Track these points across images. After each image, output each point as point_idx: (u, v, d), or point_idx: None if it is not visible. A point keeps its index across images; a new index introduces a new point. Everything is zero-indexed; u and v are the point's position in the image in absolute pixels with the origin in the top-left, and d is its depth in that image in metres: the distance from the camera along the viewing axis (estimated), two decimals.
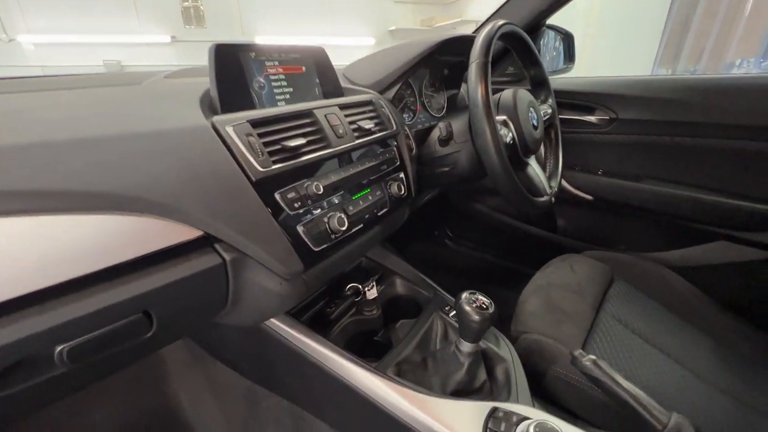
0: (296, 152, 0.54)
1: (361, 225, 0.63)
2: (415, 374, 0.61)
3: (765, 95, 0.88)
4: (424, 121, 0.99)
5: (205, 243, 0.46)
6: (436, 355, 0.63)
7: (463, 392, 0.57)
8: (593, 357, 0.54)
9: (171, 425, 0.86)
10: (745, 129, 0.90)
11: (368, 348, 0.66)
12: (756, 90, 0.89)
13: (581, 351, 0.55)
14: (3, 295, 0.32)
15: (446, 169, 0.85)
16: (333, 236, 0.56)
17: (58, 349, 0.37)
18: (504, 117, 0.77)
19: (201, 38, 3.16)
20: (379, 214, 0.67)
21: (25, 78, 0.61)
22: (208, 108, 0.51)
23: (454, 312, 0.70)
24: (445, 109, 1.07)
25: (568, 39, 1.24)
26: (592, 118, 1.09)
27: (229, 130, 0.48)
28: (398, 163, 0.75)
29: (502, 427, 0.47)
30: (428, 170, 0.87)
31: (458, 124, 0.83)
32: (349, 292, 0.76)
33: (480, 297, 0.55)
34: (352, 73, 0.88)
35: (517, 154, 0.78)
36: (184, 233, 0.43)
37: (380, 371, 0.57)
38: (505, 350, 0.65)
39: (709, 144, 0.95)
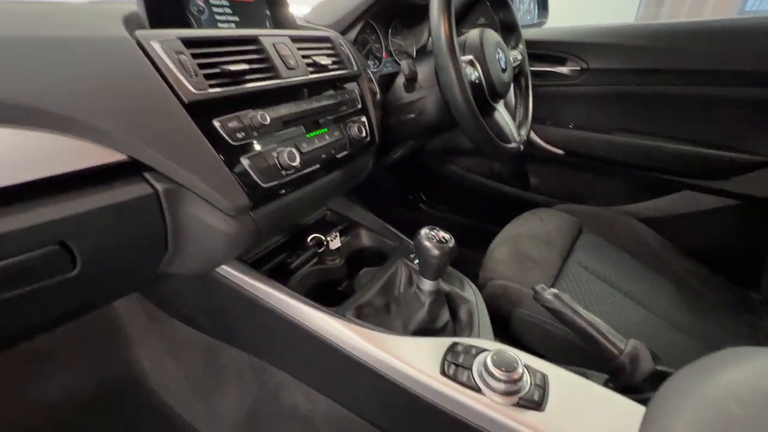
0: (238, 79, 0.49)
1: (318, 165, 0.59)
2: (377, 318, 0.59)
3: (729, 39, 0.87)
4: (390, 69, 0.94)
5: (131, 170, 0.41)
6: (398, 299, 0.61)
7: (425, 332, 0.56)
8: (555, 290, 0.53)
9: (133, 390, 0.83)
10: (709, 74, 0.89)
11: (332, 298, 0.64)
12: (720, 34, 0.88)
13: (543, 285, 0.54)
14: None
15: (412, 116, 0.81)
16: (284, 173, 0.52)
17: None
18: (470, 57, 0.73)
19: None
20: (338, 156, 0.63)
21: None
22: (134, 25, 0.46)
23: (413, 264, 0.68)
24: (412, 56, 1.02)
25: None
26: (563, 69, 1.06)
27: (156, 45, 0.42)
28: (360, 106, 0.71)
29: (461, 359, 0.46)
30: (394, 119, 0.83)
31: (424, 68, 0.79)
32: (311, 243, 0.73)
33: (440, 232, 0.52)
34: (312, 16, 0.82)
35: (484, 96, 0.75)
36: (103, 155, 0.38)
37: (339, 314, 0.54)
38: (470, 293, 0.64)
39: (675, 92, 0.94)
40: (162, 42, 0.43)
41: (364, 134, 0.68)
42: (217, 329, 0.68)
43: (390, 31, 0.96)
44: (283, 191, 0.54)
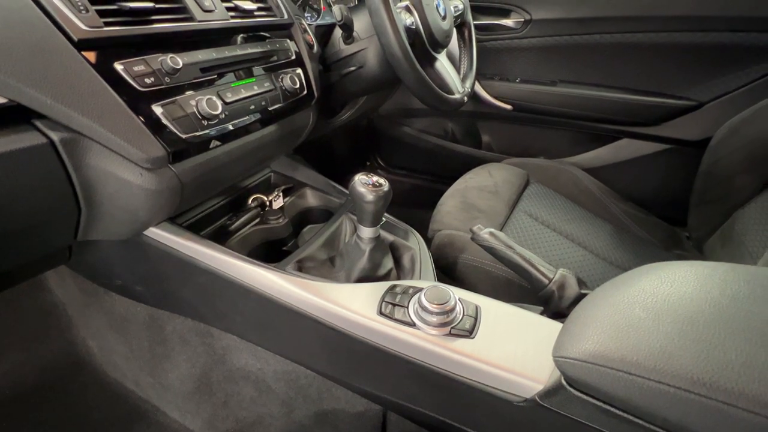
0: (142, 18, 0.45)
1: (249, 118, 0.56)
2: (320, 271, 0.59)
3: None
4: (329, 21, 0.90)
5: (17, 117, 0.37)
6: (341, 251, 0.61)
7: (366, 280, 0.56)
8: (490, 229, 0.54)
9: (78, 372, 0.79)
10: (644, 21, 0.92)
11: (277, 259, 0.62)
12: None
13: (479, 226, 0.55)
14: None
15: (353, 68, 0.78)
16: (205, 122, 0.49)
17: None
18: (406, 2, 0.71)
19: None
20: (271, 108, 0.60)
21: None
22: None
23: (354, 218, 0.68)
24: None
25: None
26: (508, 22, 1.06)
27: None
28: (293, 57, 0.67)
29: (398, 299, 0.47)
30: (335, 74, 0.80)
31: (363, 18, 0.76)
32: (253, 204, 0.70)
33: (374, 177, 0.52)
34: None
35: (423, 44, 0.73)
36: None
37: (279, 269, 0.53)
38: (414, 241, 0.65)
39: (612, 40, 0.96)
40: None
41: (298, 86, 0.65)
42: (156, 298, 0.65)
43: None
44: (212, 144, 0.51)
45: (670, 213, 0.96)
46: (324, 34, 0.81)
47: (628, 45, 0.96)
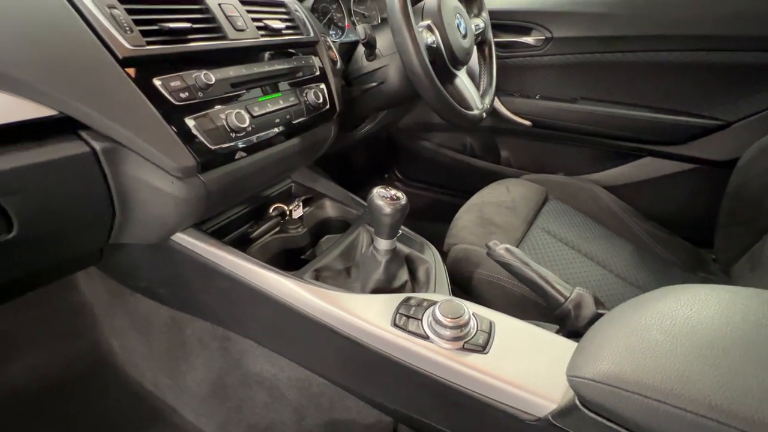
0: (180, 37, 0.48)
1: (274, 130, 0.58)
2: (336, 280, 0.60)
3: (686, 5, 0.89)
4: (352, 38, 0.93)
5: (65, 127, 0.40)
6: (357, 262, 0.62)
7: (382, 291, 0.57)
8: (507, 245, 0.54)
9: (99, 370, 0.82)
10: (667, 40, 0.91)
11: (297, 266, 0.64)
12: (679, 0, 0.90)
13: (495, 242, 0.55)
14: None
15: (374, 84, 0.81)
16: (233, 135, 0.52)
17: None
18: (428, 22, 0.73)
19: None
20: (295, 122, 0.63)
21: None
22: None
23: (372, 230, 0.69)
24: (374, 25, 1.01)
25: None
26: (528, 40, 1.07)
27: (87, 1, 0.41)
28: (318, 73, 0.70)
29: (412, 311, 0.47)
30: (357, 89, 0.83)
31: (385, 36, 0.78)
32: (273, 213, 0.73)
33: (392, 191, 0.53)
34: None
35: (443, 62, 0.75)
36: (30, 110, 0.37)
37: (296, 277, 0.55)
38: (429, 254, 0.65)
39: (635, 59, 0.96)
40: None
41: (321, 101, 0.67)
42: (178, 300, 0.68)
43: (352, 0, 0.94)
44: (237, 155, 0.54)
45: (694, 234, 0.93)
46: (347, 50, 0.84)
47: (652, 63, 0.95)
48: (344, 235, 0.68)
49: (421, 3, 0.76)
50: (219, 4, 0.54)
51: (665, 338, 0.32)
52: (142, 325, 0.75)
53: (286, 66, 0.63)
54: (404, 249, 0.64)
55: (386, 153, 1.48)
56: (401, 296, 0.51)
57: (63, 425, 0.76)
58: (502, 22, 1.07)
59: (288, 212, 0.73)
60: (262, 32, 0.60)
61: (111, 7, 0.42)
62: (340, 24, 0.92)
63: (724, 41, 0.87)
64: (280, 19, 0.65)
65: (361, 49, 0.82)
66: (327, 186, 0.81)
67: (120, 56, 0.41)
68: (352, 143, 1.07)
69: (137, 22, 0.44)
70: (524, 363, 0.41)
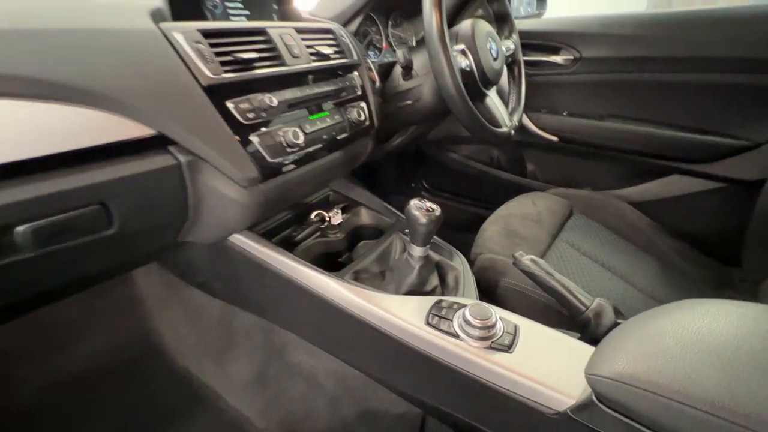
0: (249, 65, 0.55)
1: (320, 145, 0.65)
2: (372, 282, 0.65)
3: (714, 28, 0.91)
4: (389, 59, 1.00)
5: (159, 144, 0.48)
6: (392, 266, 0.67)
7: (414, 294, 0.62)
8: (532, 256, 0.59)
9: (150, 357, 0.90)
10: (696, 61, 0.93)
11: (334, 268, 0.70)
12: (706, 23, 0.92)
13: (521, 252, 0.59)
14: None
15: (409, 102, 0.87)
16: (289, 149, 0.59)
17: (20, 228, 0.40)
18: (462, 46, 0.79)
19: None
20: (338, 137, 0.69)
21: None
22: (159, 18, 0.52)
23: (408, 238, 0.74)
24: (410, 47, 1.08)
25: None
26: (557, 59, 1.10)
27: (178, 36, 0.49)
28: (359, 92, 0.77)
29: (443, 312, 0.52)
30: (392, 106, 0.89)
31: (420, 58, 0.84)
32: (315, 219, 0.79)
33: (427, 203, 0.58)
34: (317, 9, 0.88)
35: (475, 83, 0.80)
36: (136, 130, 0.45)
37: (338, 277, 0.61)
38: (458, 262, 0.70)
39: (663, 79, 0.98)
40: (183, 33, 0.49)
41: (363, 118, 0.74)
42: (230, 294, 0.75)
43: (389, 23, 1.01)
44: (289, 167, 0.61)
45: (721, 252, 0.94)
46: (385, 70, 0.91)
47: (681, 84, 0.97)
48: (379, 241, 0.74)
49: (456, 27, 0.82)
50: (280, 35, 0.62)
51: (676, 344, 0.36)
52: (194, 316, 0.84)
53: (333, 87, 0.70)
54: (435, 256, 0.69)
55: (413, 164, 1.54)
56: (433, 299, 0.56)
57: (114, 406, 0.84)
58: (531, 41, 1.11)
59: (328, 218, 0.80)
60: (314, 57, 0.67)
61: (197, 42, 0.50)
62: (378, 45, 0.99)
63: (753, 63, 0.88)
64: (328, 45, 0.72)
65: (397, 69, 0.88)
66: (362, 195, 0.87)
67: (203, 84, 0.49)
68: (383, 155, 1.13)
69: (216, 54, 0.52)
70: (546, 362, 0.45)
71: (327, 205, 0.87)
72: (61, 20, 0.44)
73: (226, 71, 0.52)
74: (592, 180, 1.20)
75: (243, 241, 0.64)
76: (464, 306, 0.53)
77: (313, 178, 0.69)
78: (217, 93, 0.51)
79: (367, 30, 0.95)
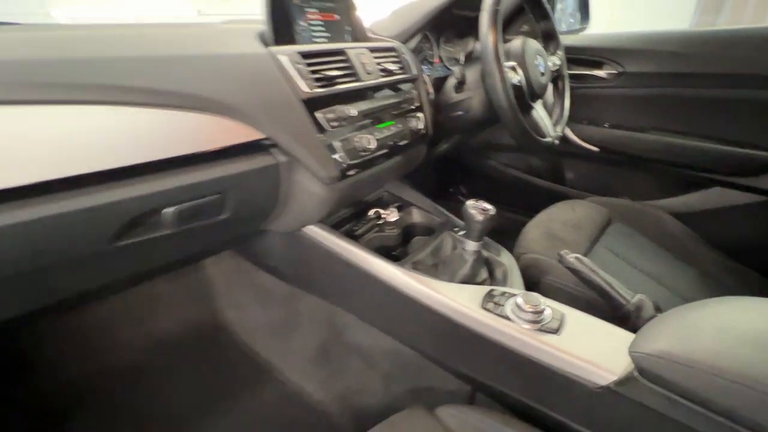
0: (332, 81, 0.65)
1: (386, 150, 0.74)
2: (427, 273, 0.73)
3: (757, 45, 0.94)
4: (441, 72, 1.08)
5: (265, 146, 0.59)
6: (445, 260, 0.75)
7: (466, 284, 0.69)
8: (577, 255, 0.65)
9: (219, 334, 1.02)
10: (739, 78, 0.96)
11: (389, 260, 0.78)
12: (749, 41, 0.95)
13: (567, 251, 0.66)
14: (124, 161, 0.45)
15: (460, 113, 0.95)
16: (362, 154, 0.68)
17: (166, 210, 0.51)
18: (513, 63, 0.86)
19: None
20: (400, 144, 0.78)
21: (111, 24, 0.74)
22: (265, 42, 0.63)
23: (463, 232, 0.82)
24: (459, 62, 1.16)
25: None
26: (600, 73, 1.15)
27: (283, 58, 0.59)
28: (418, 104, 0.86)
29: (496, 299, 0.60)
30: (444, 116, 0.97)
31: (472, 72, 0.93)
32: (372, 216, 0.89)
33: (483, 203, 0.66)
34: (377, 28, 0.98)
35: (524, 97, 0.87)
36: (251, 134, 0.56)
37: (400, 265, 0.69)
38: (506, 259, 0.77)
39: (708, 94, 1.01)
40: (288, 55, 0.60)
41: (421, 127, 0.83)
42: (298, 279, 0.85)
43: (441, 40, 1.10)
44: (359, 169, 0.70)
45: (762, 264, 0.96)
46: (437, 83, 0.99)
47: (724, 99, 1.00)
48: (431, 238, 0.82)
49: (508, 45, 0.90)
50: (356, 54, 0.72)
51: (712, 328, 0.42)
52: (263, 297, 0.94)
53: (397, 99, 0.79)
54: (484, 252, 0.77)
55: (452, 170, 1.61)
56: (486, 288, 0.63)
57: (190, 374, 0.96)
58: (575, 56, 1.17)
59: (383, 216, 0.88)
60: (382, 73, 0.76)
61: (297, 62, 0.60)
62: (430, 60, 1.07)
63: None
64: (393, 62, 0.81)
65: (449, 82, 0.97)
66: (414, 196, 0.96)
67: (301, 97, 0.59)
68: (427, 160, 1.21)
69: (310, 72, 0.62)
70: (590, 343, 0.52)
71: (382, 204, 0.96)
72: (198, 47, 0.55)
73: (317, 86, 0.62)
74: (631, 190, 1.23)
75: (316, 231, 0.74)
76: (515, 295, 0.60)
77: (377, 178, 0.78)
78: (310, 105, 0.61)
79: (421, 46, 1.04)
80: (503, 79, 0.77)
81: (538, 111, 0.93)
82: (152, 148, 0.48)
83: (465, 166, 1.58)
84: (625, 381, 0.46)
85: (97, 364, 0.93)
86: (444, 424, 0.53)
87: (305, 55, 0.62)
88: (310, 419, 0.83)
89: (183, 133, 0.50)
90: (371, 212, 0.89)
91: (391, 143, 0.75)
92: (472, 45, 1.22)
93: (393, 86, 0.82)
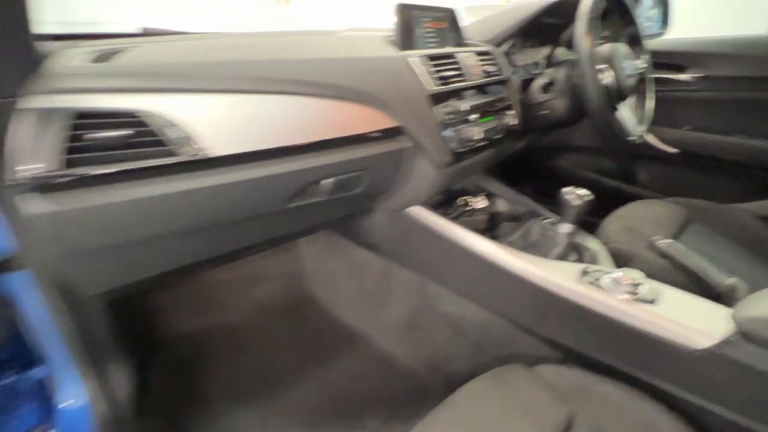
0: (448, 80, 0.76)
1: (486, 143, 0.84)
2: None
3: None
4: (523, 74, 1.16)
5: (396, 133, 0.70)
6: (535, 243, 0.83)
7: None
8: (669, 240, 0.70)
9: (312, 304, 1.15)
10: None
11: None
12: None
13: (658, 236, 0.71)
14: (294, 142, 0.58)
15: (545, 112, 1.02)
16: (467, 144, 0.78)
17: (325, 181, 0.63)
18: (604, 65, 0.92)
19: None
20: (494, 137, 0.87)
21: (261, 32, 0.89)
22: (396, 47, 0.75)
23: (548, 220, 0.89)
24: (538, 65, 1.23)
25: (663, 4, 1.32)
26: (683, 77, 1.18)
27: (413, 60, 0.71)
28: (510, 102, 0.94)
29: (592, 275, 0.67)
30: (528, 114, 1.05)
31: (559, 75, 1.00)
32: (459, 203, 0.98)
33: (578, 190, 0.73)
34: (472, 33, 1.07)
35: (612, 98, 0.93)
36: (387, 122, 0.67)
37: (499, 243, 0.78)
38: (593, 244, 0.84)
39: None
40: (418, 58, 0.71)
41: (513, 123, 0.91)
42: (396, 254, 0.96)
43: (525, 45, 1.18)
44: (465, 157, 0.80)
45: None
46: (524, 84, 1.07)
47: None
48: (519, 223, 0.90)
49: (598, 48, 0.96)
50: (464, 58, 0.82)
51: None
52: (356, 271, 1.06)
53: (494, 98, 0.88)
54: (574, 237, 0.84)
55: (521, 169, 1.67)
56: (581, 265, 0.70)
57: (280, 339, 1.09)
58: (660, 60, 1.20)
59: (471, 203, 0.98)
60: (483, 74, 0.86)
61: (426, 64, 0.72)
62: (514, 63, 1.15)
63: None
64: (491, 64, 0.91)
65: (535, 83, 1.04)
66: (497, 186, 1.04)
67: (428, 93, 0.70)
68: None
69: (434, 72, 0.73)
70: (688, 311, 0.57)
71: (467, 193, 1.05)
72: (349, 51, 0.68)
73: (438, 84, 0.73)
74: (710, 193, 1.23)
75: (419, 211, 0.84)
76: (610, 271, 0.66)
77: (475, 167, 0.88)
78: (432, 100, 0.72)
79: (508, 50, 1.13)
80: (595, 80, 0.83)
81: (624, 111, 0.99)
82: (321, 130, 0.60)
83: (532, 165, 1.63)
84: (728, 343, 0.52)
85: (212, 321, 1.09)
86: (545, 379, 0.61)
87: (431, 57, 0.73)
88: (399, 380, 0.94)
89: (341, 119, 0.63)
90: (458, 200, 0.99)
91: (490, 136, 0.84)
92: (550, 50, 1.28)
93: (490, 86, 0.91)
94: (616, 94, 0.94)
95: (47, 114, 0.42)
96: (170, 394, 0.92)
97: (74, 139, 0.42)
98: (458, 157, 0.77)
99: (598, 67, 0.92)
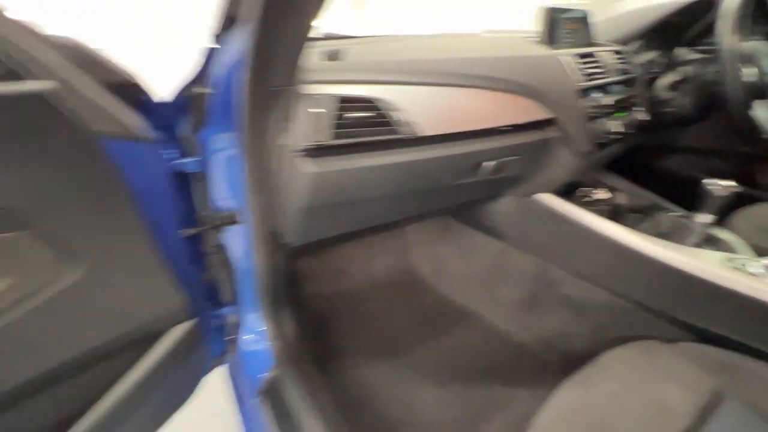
0: (592, 76, 0.83)
1: (620, 136, 0.89)
2: None
3: None
4: (641, 72, 1.18)
5: (547, 124, 0.78)
6: (665, 233, 0.87)
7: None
8: None
9: (412, 283, 1.25)
10: None
11: None
12: None
13: None
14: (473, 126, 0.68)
15: (671, 109, 1.04)
16: (607, 136, 0.84)
17: (487, 163, 0.73)
18: (747, 64, 0.93)
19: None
20: (628, 132, 0.92)
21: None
22: (542, 45, 0.83)
23: (680, 213, 0.92)
24: (655, 63, 1.23)
25: None
26: None
27: (564, 59, 0.79)
28: (640, 99, 0.99)
29: (736, 262, 0.70)
30: (654, 111, 1.08)
31: (687, 72, 1.02)
32: (579, 194, 1.03)
33: (723, 182, 0.77)
34: (599, 31, 1.12)
35: (752, 95, 0.93)
36: (542, 113, 0.76)
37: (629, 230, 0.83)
38: (728, 236, 0.86)
39: None
40: (568, 55, 0.79)
41: (644, 119, 0.96)
42: (518, 239, 1.03)
43: (651, 44, 1.20)
44: (601, 148, 0.87)
45: None
46: (648, 82, 1.10)
47: None
48: (647, 215, 0.94)
49: (739, 46, 0.96)
50: (603, 56, 0.88)
51: None
52: (469, 252, 1.16)
53: (628, 95, 0.93)
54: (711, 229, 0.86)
55: (622, 168, 1.66)
56: (725, 254, 0.74)
57: (395, 310, 1.20)
58: None
59: (591, 195, 1.03)
60: (620, 71, 0.92)
61: (574, 61, 0.79)
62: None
63: None
64: (624, 62, 0.96)
65: (662, 81, 1.07)
66: (616, 180, 1.08)
67: (576, 87, 0.78)
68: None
69: (581, 68, 0.80)
70: None
71: (587, 184, 1.10)
72: (512, 51, 0.77)
73: (585, 80, 0.80)
74: None
75: (549, 198, 0.91)
76: (759, 259, 0.69)
77: (603, 159, 0.94)
78: (580, 94, 0.79)
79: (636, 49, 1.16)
80: (737, 77, 0.85)
81: (761, 109, 0.98)
82: (492, 118, 0.71)
83: (633, 165, 1.61)
84: None
85: (338, 288, 1.23)
86: (685, 355, 0.66)
87: (579, 56, 0.81)
88: (513, 355, 1.01)
89: (507, 109, 0.72)
90: (578, 191, 1.04)
91: (627, 131, 0.90)
92: (666, 49, 1.28)
93: (626, 83, 0.96)
94: (757, 92, 0.94)
95: (319, 99, 0.56)
96: (312, 345, 1.08)
97: (339, 117, 0.56)
98: (598, 147, 0.84)
99: (740, 64, 0.93)
